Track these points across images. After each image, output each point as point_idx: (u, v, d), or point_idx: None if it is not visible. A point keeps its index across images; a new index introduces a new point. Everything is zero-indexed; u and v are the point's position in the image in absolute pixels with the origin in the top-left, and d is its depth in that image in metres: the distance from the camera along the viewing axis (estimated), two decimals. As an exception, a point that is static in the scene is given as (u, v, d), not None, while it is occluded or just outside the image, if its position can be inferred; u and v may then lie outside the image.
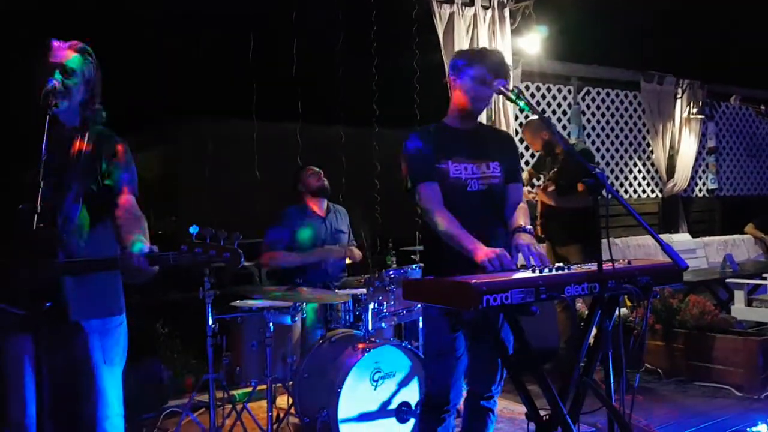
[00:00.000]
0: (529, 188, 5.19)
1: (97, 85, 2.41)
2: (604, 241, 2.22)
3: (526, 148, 7.17)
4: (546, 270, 2.29)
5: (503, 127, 5.57)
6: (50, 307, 2.05)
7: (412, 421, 3.58)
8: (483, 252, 2.47)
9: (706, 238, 7.92)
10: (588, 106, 7.64)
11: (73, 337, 2.28)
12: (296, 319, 3.85)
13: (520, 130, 7.00)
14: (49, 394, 2.21)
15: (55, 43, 2.35)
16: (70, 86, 2.30)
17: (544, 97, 7.23)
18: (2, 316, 2.17)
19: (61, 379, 2.25)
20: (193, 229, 2.09)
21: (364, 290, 3.89)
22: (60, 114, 2.30)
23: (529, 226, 2.68)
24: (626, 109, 7.96)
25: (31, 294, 2.07)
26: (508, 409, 4.23)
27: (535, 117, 4.66)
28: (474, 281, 2.06)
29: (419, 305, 3.71)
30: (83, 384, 2.28)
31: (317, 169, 4.47)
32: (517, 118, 6.19)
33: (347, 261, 4.55)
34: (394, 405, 3.56)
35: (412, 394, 3.61)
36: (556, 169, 4.98)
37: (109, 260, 2.26)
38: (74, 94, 2.33)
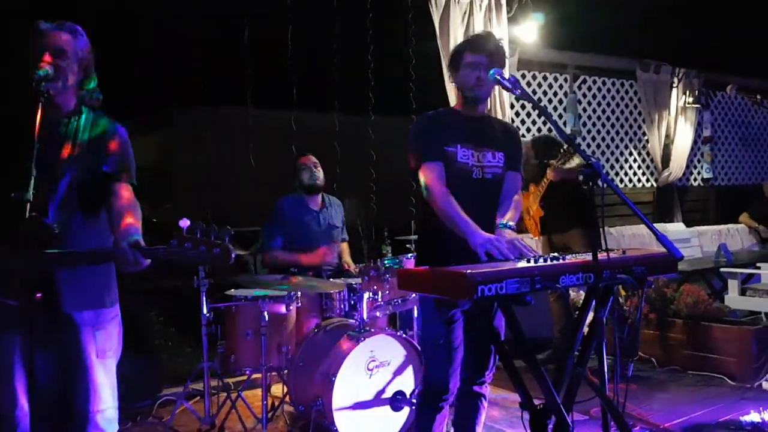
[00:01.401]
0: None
1: (91, 65, 2.37)
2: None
3: (522, 137, 7.16)
4: (541, 260, 2.29)
5: (499, 116, 5.56)
6: (42, 298, 2.02)
7: (406, 410, 3.59)
8: (479, 237, 2.47)
9: (701, 228, 7.94)
10: (584, 95, 7.63)
11: (65, 330, 2.25)
12: (291, 308, 3.85)
13: (516, 118, 7.01)
14: (42, 388, 2.19)
15: (44, 26, 2.30)
16: (62, 67, 2.25)
17: (540, 85, 7.22)
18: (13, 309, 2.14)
19: (54, 373, 2.24)
20: (184, 223, 2.06)
21: (359, 279, 3.89)
22: (55, 97, 2.26)
23: (511, 223, 2.69)
24: (622, 98, 7.96)
25: (23, 285, 2.04)
26: (502, 397, 4.25)
27: (542, 135, 4.72)
28: (469, 271, 2.05)
29: (414, 295, 3.72)
30: (76, 378, 2.25)
31: (311, 163, 4.38)
32: (513, 106, 6.18)
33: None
34: (388, 394, 3.56)
35: (406, 382, 3.62)
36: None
37: (103, 253, 2.23)
38: (67, 74, 2.28)
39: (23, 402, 2.21)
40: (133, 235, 2.13)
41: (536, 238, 5.21)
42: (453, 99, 3.21)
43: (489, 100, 5.51)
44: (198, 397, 4.19)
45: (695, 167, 8.71)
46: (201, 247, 2.01)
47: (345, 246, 4.63)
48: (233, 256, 2.03)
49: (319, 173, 4.40)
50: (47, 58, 2.22)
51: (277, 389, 4.11)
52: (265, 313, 3.58)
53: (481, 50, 2.71)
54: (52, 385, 2.23)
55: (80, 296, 2.26)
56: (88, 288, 2.29)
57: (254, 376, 3.91)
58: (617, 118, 7.91)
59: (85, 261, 2.24)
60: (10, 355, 2.21)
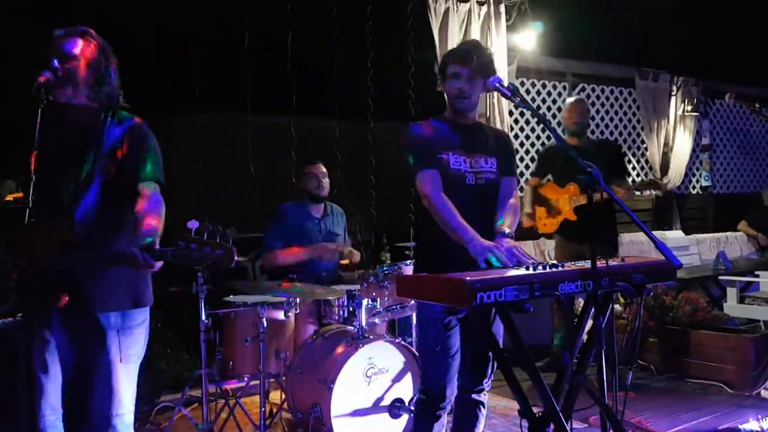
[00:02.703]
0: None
1: (105, 68, 2.37)
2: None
3: (527, 152, 7.18)
4: (540, 267, 2.29)
5: (498, 123, 5.58)
6: (69, 300, 2.07)
7: (405, 417, 3.58)
8: (479, 245, 2.47)
9: (699, 235, 7.94)
10: (583, 103, 7.63)
11: (90, 332, 2.27)
12: (289, 314, 3.85)
13: (515, 126, 7.03)
14: (63, 389, 2.23)
15: (57, 32, 2.33)
16: (70, 70, 2.27)
17: (539, 93, 7.23)
18: (34, 311, 2.16)
19: (76, 375, 2.26)
20: (192, 225, 2.08)
21: (357, 286, 3.89)
22: (70, 101, 2.29)
23: (508, 230, 2.69)
24: (621, 106, 7.97)
25: (50, 288, 2.08)
26: (501, 405, 4.24)
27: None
28: (468, 278, 2.06)
29: (413, 301, 3.71)
30: (98, 380, 2.26)
31: (319, 172, 4.37)
32: (512, 113, 6.19)
33: (344, 262, 4.53)
34: (387, 401, 3.55)
35: (405, 389, 3.61)
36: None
37: (113, 255, 2.23)
38: (76, 77, 2.29)
39: (44, 404, 2.24)
40: (147, 237, 2.14)
41: (541, 231, 5.05)
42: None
43: (488, 107, 5.58)
44: (196, 404, 4.18)
45: (694, 175, 8.72)
46: (206, 249, 2.05)
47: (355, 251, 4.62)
48: (235, 257, 2.06)
49: (326, 183, 4.39)
50: (52, 65, 2.23)
51: (276, 396, 4.10)
52: (264, 320, 3.58)
53: (462, 61, 2.72)
54: (74, 387, 2.25)
55: (106, 298, 2.28)
56: (114, 289, 2.30)
57: (252, 382, 3.90)
58: (616, 126, 7.93)
59: (98, 263, 2.24)
60: (41, 357, 2.24)
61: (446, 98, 2.84)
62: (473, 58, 2.71)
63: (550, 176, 5.10)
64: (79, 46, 2.32)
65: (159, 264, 2.10)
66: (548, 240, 6.74)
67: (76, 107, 2.32)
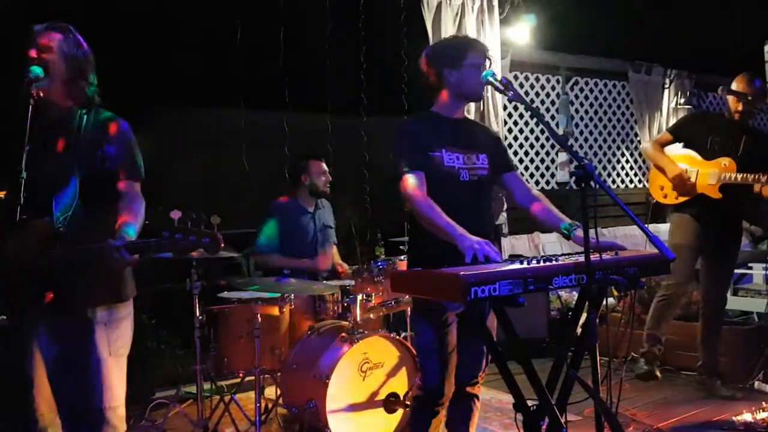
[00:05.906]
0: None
1: (82, 64, 2.36)
2: (591, 231, 2.21)
3: (520, 146, 7.17)
4: (534, 261, 2.29)
5: (492, 118, 5.58)
6: (53, 298, 2.08)
7: (400, 411, 3.59)
8: (468, 241, 2.47)
9: (693, 228, 7.94)
10: (576, 96, 7.65)
11: (78, 329, 2.26)
12: (284, 310, 3.84)
13: (509, 120, 7.03)
14: (56, 386, 2.24)
15: (37, 26, 2.32)
16: (49, 64, 2.26)
17: (532, 87, 7.23)
18: (20, 311, 2.16)
19: (68, 371, 2.26)
20: (175, 215, 2.09)
21: (352, 281, 3.89)
22: (47, 95, 2.27)
23: (570, 221, 2.68)
24: (614, 99, 7.99)
25: (33, 287, 2.08)
26: (496, 398, 4.25)
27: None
28: (462, 273, 2.05)
29: (407, 297, 3.71)
30: (89, 376, 2.27)
31: (325, 168, 4.42)
32: (506, 108, 6.18)
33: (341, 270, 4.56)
34: (382, 395, 3.56)
35: (400, 384, 3.62)
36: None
37: (89, 250, 2.21)
38: (53, 71, 2.28)
39: (41, 402, 2.25)
40: (124, 231, 2.14)
41: (657, 199, 4.62)
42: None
43: (482, 102, 5.57)
44: (191, 400, 4.17)
45: (687, 168, 8.74)
46: (191, 237, 2.05)
47: (334, 249, 4.64)
48: (221, 244, 2.07)
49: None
50: (33, 54, 2.22)
51: (271, 392, 4.10)
52: (258, 316, 3.58)
53: (483, 53, 2.75)
54: (67, 384, 2.25)
55: (90, 294, 2.27)
56: (98, 285, 2.29)
57: (247, 378, 3.90)
58: (609, 119, 7.94)
59: (78, 259, 2.23)
60: (32, 355, 2.25)
61: (454, 87, 2.75)
62: (487, 51, 2.80)
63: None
64: (56, 40, 2.30)
65: (134, 258, 2.10)
66: (542, 234, 6.76)
67: (53, 103, 2.31)
